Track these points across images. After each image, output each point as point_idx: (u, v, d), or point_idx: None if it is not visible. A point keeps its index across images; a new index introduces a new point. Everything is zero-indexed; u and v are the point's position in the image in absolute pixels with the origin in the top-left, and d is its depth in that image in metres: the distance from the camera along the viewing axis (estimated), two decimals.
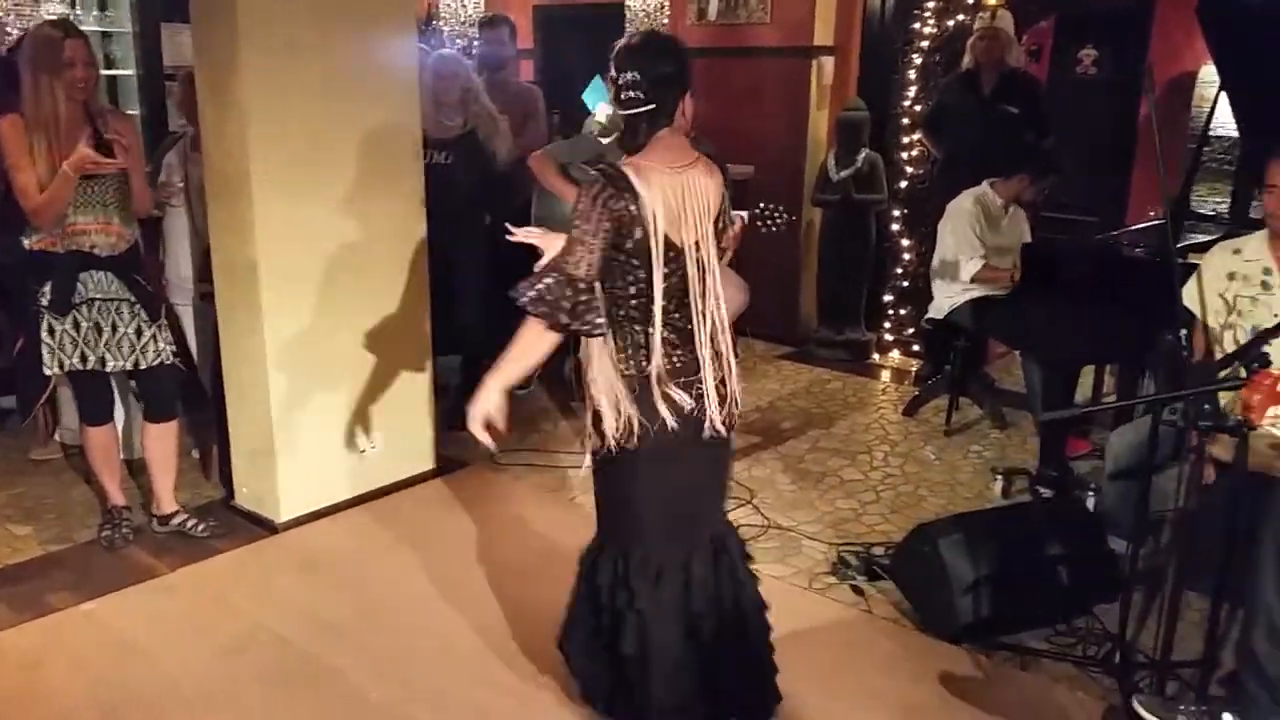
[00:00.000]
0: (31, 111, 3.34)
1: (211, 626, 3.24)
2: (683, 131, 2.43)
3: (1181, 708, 2.58)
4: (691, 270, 2.38)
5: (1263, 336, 2.71)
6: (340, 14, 3.70)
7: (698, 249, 2.38)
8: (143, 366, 3.61)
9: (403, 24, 3.98)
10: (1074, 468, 4.39)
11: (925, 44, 5.68)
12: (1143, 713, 2.58)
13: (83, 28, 3.89)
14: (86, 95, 3.41)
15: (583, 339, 2.43)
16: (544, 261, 2.42)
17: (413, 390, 4.24)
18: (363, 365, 4.04)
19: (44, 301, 3.46)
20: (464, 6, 7.30)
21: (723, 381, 2.45)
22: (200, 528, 3.81)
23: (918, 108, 5.72)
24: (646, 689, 2.51)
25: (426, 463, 4.37)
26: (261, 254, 3.63)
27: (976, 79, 5.29)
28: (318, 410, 3.92)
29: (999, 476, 4.33)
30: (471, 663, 3.08)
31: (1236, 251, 3.24)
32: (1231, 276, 3.21)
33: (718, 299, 2.43)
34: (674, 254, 2.35)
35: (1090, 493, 3.95)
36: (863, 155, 5.77)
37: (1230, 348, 3.11)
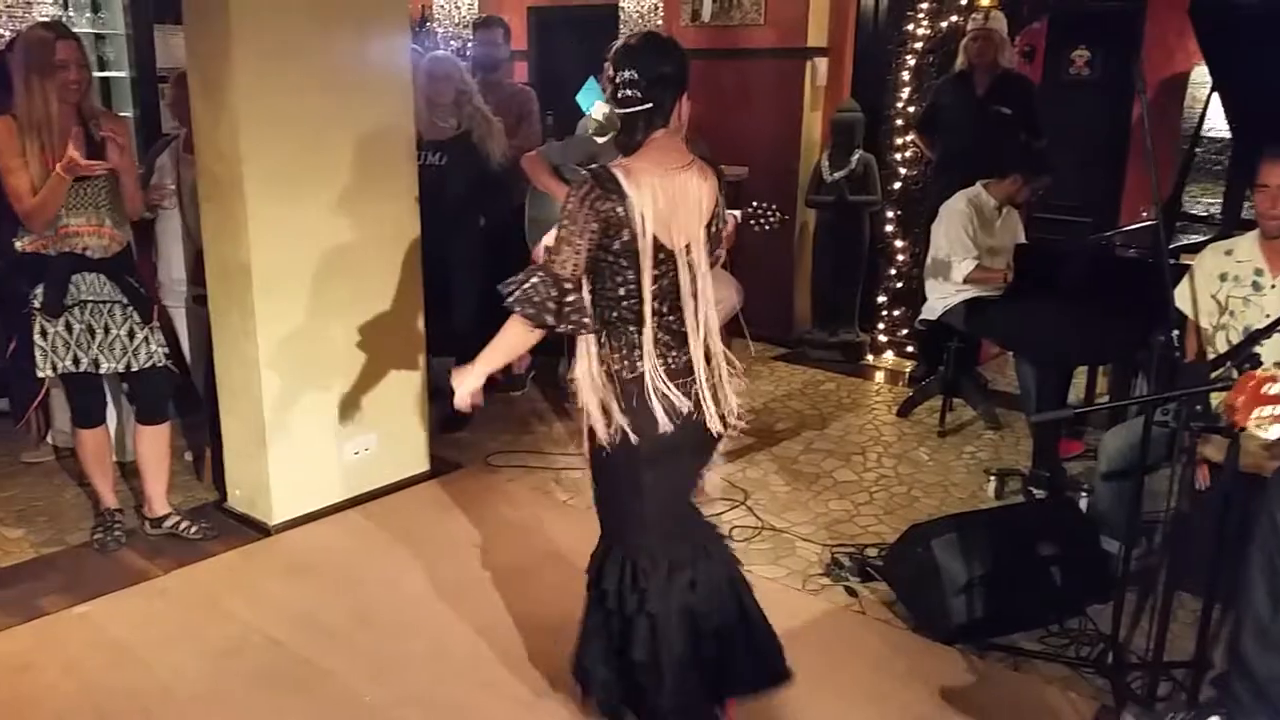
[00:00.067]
0: (24, 114, 3.34)
1: (204, 629, 3.24)
2: (679, 133, 2.43)
3: (1170, 716, 2.58)
4: (683, 273, 2.38)
5: (1254, 337, 2.72)
6: (333, 15, 3.70)
7: (689, 252, 2.39)
8: (135, 369, 3.60)
9: (396, 25, 3.98)
10: (1067, 468, 4.40)
11: (919, 45, 5.70)
12: None
13: (75, 29, 3.87)
14: (79, 97, 3.41)
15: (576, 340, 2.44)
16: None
17: (406, 392, 4.24)
18: (356, 367, 4.04)
19: (36, 304, 3.46)
20: (458, 8, 7.29)
21: (714, 383, 2.46)
22: (193, 530, 3.80)
23: (911, 109, 5.73)
24: (659, 693, 2.50)
25: (420, 464, 4.37)
26: (254, 256, 3.63)
27: (970, 80, 5.30)
28: (311, 412, 3.91)
29: (992, 477, 4.34)
30: (465, 665, 3.07)
31: (1228, 252, 3.25)
32: (1223, 277, 3.22)
33: (707, 302, 2.44)
34: (664, 256, 2.35)
35: (1083, 493, 3.96)
36: (857, 156, 5.78)
37: (1222, 348, 3.12)
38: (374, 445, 4.14)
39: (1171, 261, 3.52)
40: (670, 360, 2.40)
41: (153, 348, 3.63)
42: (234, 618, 3.30)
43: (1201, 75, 5.53)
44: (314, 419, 3.93)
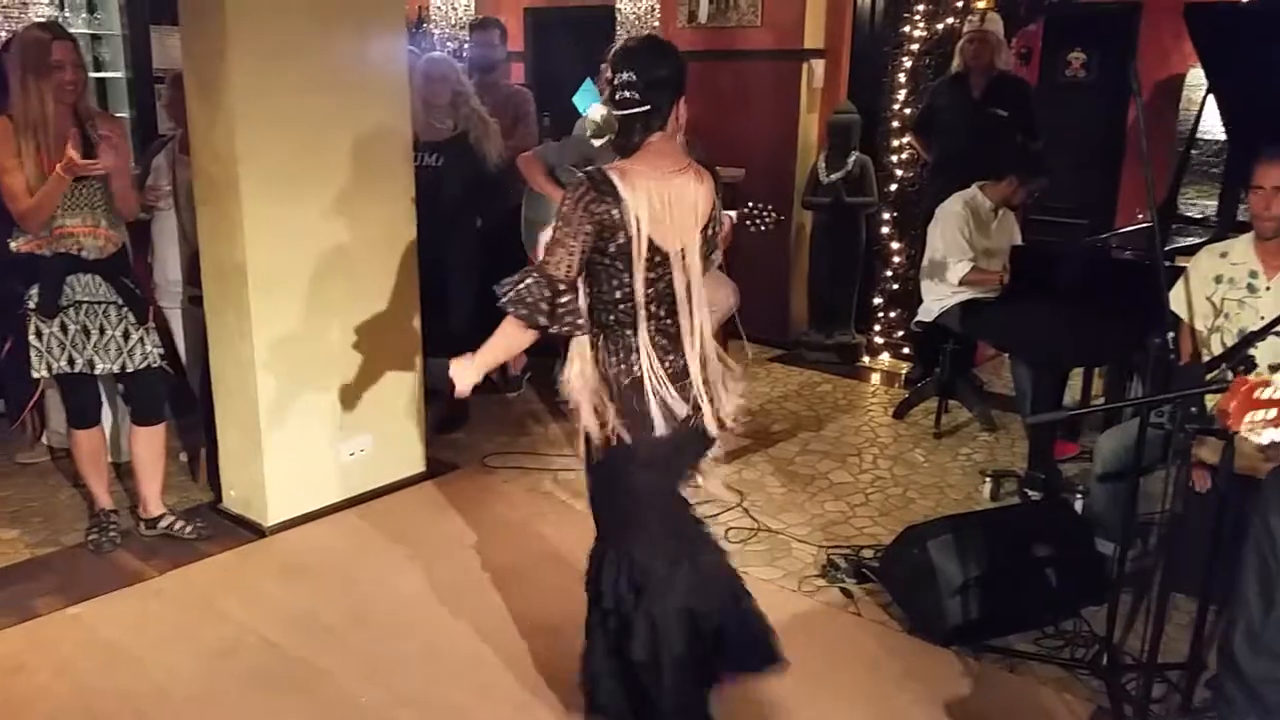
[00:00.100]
0: (20, 114, 3.33)
1: (199, 630, 3.23)
2: (675, 136, 2.44)
3: None
4: (678, 276, 2.39)
5: (1249, 339, 2.72)
6: (329, 16, 3.69)
7: (684, 256, 2.39)
8: (130, 369, 3.60)
9: (392, 26, 3.98)
10: (1062, 470, 4.40)
11: (915, 47, 5.70)
12: None
13: (72, 30, 3.88)
14: (75, 98, 3.41)
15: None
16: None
17: (402, 392, 4.24)
18: (352, 367, 4.03)
19: (31, 304, 3.45)
20: (454, 9, 7.30)
21: (708, 385, 2.46)
22: (187, 529, 3.80)
23: (908, 110, 5.73)
24: (659, 693, 2.51)
25: (416, 465, 4.36)
26: (250, 257, 3.62)
27: (966, 82, 5.30)
28: (306, 413, 3.91)
29: (988, 479, 4.34)
30: (461, 666, 3.07)
31: (1223, 255, 3.26)
32: (1218, 279, 3.23)
33: (701, 305, 2.45)
34: (660, 258, 2.36)
35: (1078, 495, 3.96)
36: (853, 158, 5.78)
37: (1218, 350, 3.13)
38: (370, 446, 4.13)
39: (1167, 264, 3.52)
40: (667, 364, 2.41)
41: (148, 348, 3.62)
42: (229, 618, 3.30)
43: (1197, 78, 5.54)
44: (310, 420, 3.93)
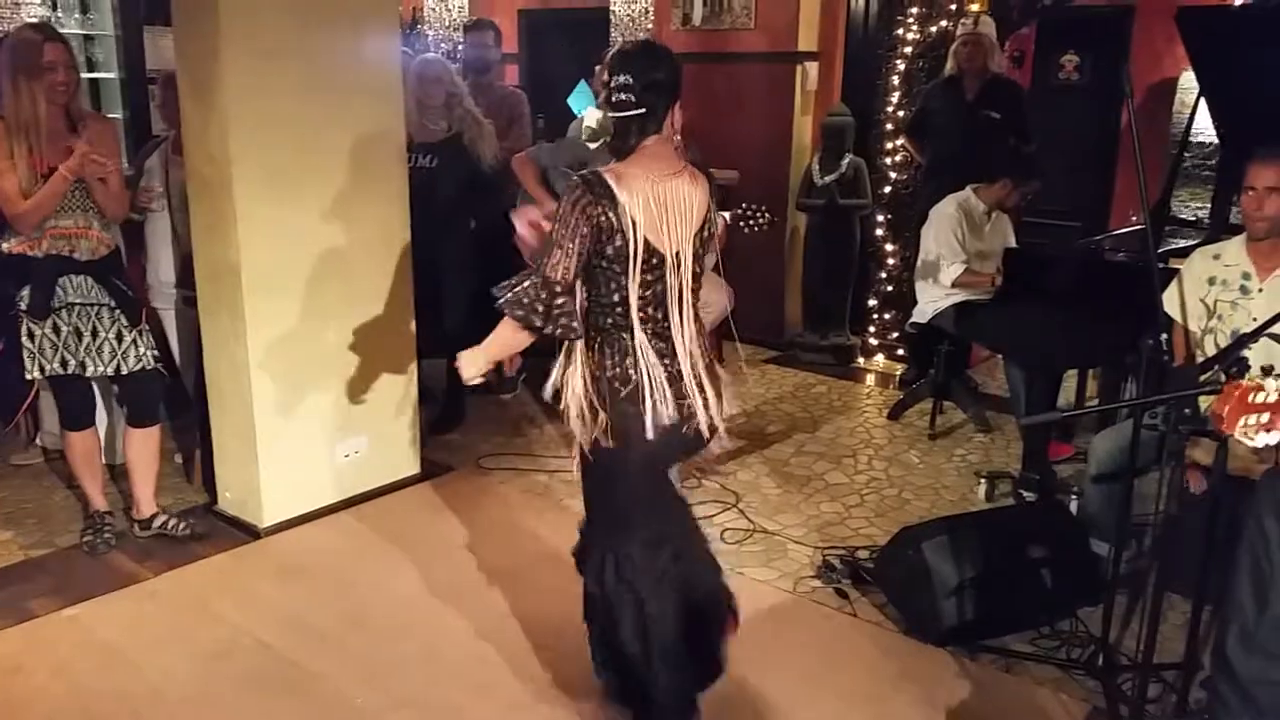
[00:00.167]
0: (11, 116, 3.32)
1: (194, 632, 3.23)
2: (671, 140, 2.45)
3: None
4: (671, 278, 2.40)
5: (1242, 341, 2.73)
6: (323, 17, 3.69)
7: (679, 259, 2.41)
8: (124, 371, 3.59)
9: (386, 27, 3.98)
10: (1057, 471, 4.42)
11: (908, 50, 5.71)
12: None
13: (64, 31, 3.88)
14: (67, 99, 3.40)
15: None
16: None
17: (397, 394, 4.23)
18: (346, 369, 4.03)
19: (23, 306, 3.45)
20: (448, 10, 7.29)
21: (701, 387, 2.47)
22: (181, 526, 3.79)
23: (901, 113, 5.74)
24: (654, 682, 2.55)
25: (411, 467, 4.36)
26: (244, 258, 3.62)
27: (959, 84, 5.32)
28: (301, 414, 3.90)
29: (983, 480, 4.35)
30: (457, 667, 3.07)
31: (1216, 256, 3.27)
32: (1211, 281, 3.24)
33: (691, 308, 2.47)
34: (657, 261, 2.37)
35: (1073, 496, 3.97)
36: (847, 160, 5.79)
37: (1211, 352, 3.14)
38: (365, 448, 4.13)
39: (1160, 266, 3.54)
40: (664, 366, 2.43)
41: (142, 350, 3.62)
42: (224, 620, 3.29)
43: (1190, 81, 5.57)
44: (304, 421, 3.92)
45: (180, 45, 3.66)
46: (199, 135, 3.63)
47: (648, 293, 2.39)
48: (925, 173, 5.57)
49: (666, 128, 2.41)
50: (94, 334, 3.53)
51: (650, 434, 2.38)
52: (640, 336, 2.39)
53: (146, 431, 3.74)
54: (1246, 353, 2.55)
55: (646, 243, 2.34)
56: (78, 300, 3.51)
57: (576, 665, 2.89)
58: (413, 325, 4.25)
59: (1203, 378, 2.53)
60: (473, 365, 2.50)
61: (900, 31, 5.74)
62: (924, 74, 5.69)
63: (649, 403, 2.37)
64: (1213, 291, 3.23)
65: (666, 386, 2.40)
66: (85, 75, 5.30)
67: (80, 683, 2.96)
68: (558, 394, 2.51)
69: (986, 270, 4.70)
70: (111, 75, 6.02)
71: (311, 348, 3.88)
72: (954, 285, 4.74)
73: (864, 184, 5.84)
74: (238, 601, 3.41)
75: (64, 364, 3.51)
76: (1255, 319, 3.03)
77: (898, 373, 5.88)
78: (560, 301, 2.34)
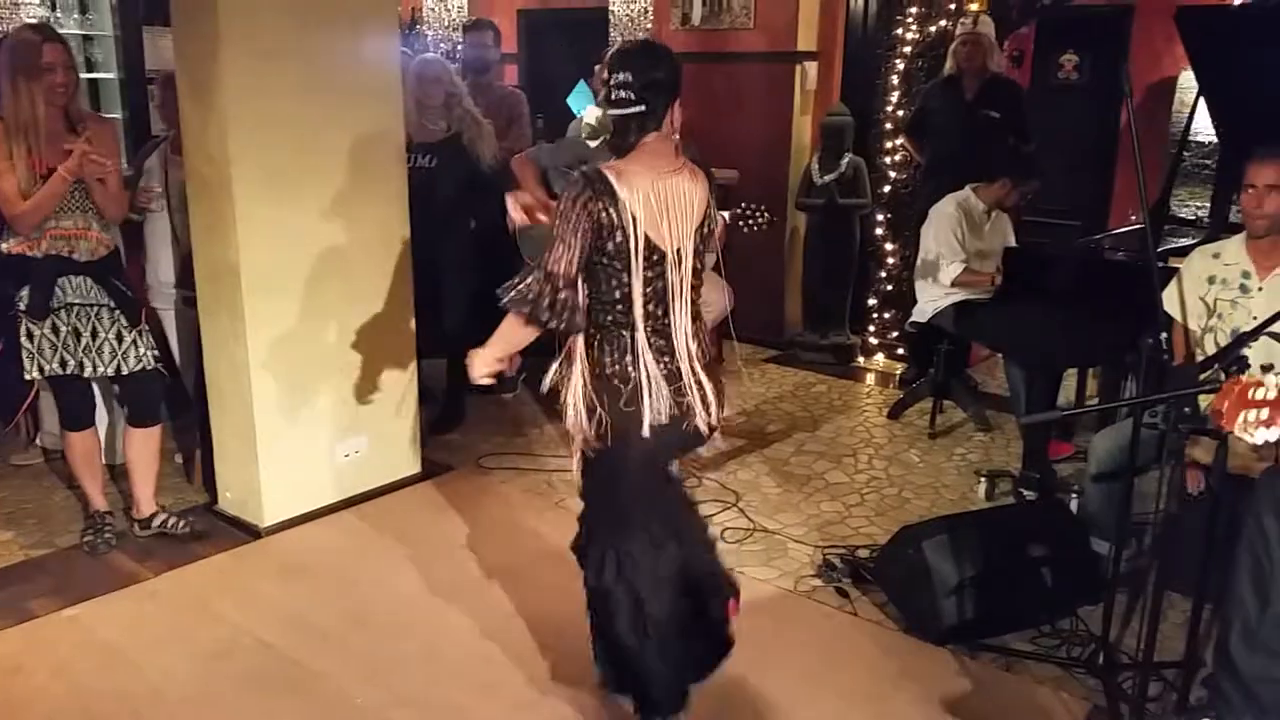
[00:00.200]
0: (10, 116, 3.32)
1: (194, 632, 3.22)
2: (670, 138, 2.45)
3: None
4: (672, 275, 2.41)
5: (1242, 339, 2.73)
6: (322, 17, 3.69)
7: (679, 256, 2.41)
8: (125, 372, 3.59)
9: (386, 27, 3.98)
10: (1057, 470, 4.42)
11: (908, 49, 5.71)
12: None
13: (64, 31, 3.88)
14: (66, 100, 3.40)
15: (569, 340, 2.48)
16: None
17: (397, 394, 4.23)
18: (346, 369, 4.03)
19: (21, 306, 3.44)
20: (448, 10, 7.29)
21: (700, 385, 2.48)
22: (180, 524, 3.80)
23: (900, 113, 5.74)
24: (649, 677, 2.57)
25: (412, 466, 4.36)
26: (243, 258, 3.62)
27: (958, 84, 5.32)
28: (301, 414, 3.90)
29: (983, 479, 4.35)
30: (459, 666, 3.07)
31: (1216, 255, 3.28)
32: (1211, 280, 3.24)
33: (695, 304, 2.48)
34: (657, 257, 2.38)
35: (1073, 495, 3.97)
36: (846, 160, 5.79)
37: (1211, 350, 3.14)
38: (365, 447, 4.13)
39: (1160, 264, 3.54)
40: (663, 365, 2.43)
41: (142, 350, 3.62)
42: (224, 620, 3.29)
43: (1189, 80, 5.57)
44: (305, 421, 3.92)
45: (179, 45, 3.66)
46: (198, 135, 3.63)
47: (648, 289, 2.40)
48: (925, 172, 5.57)
49: (666, 125, 2.42)
50: (94, 335, 3.53)
51: (648, 432, 2.39)
52: (642, 334, 2.40)
53: (147, 431, 3.74)
54: (1246, 351, 2.56)
55: (647, 239, 2.35)
56: (77, 301, 3.51)
57: (578, 663, 2.89)
58: (413, 325, 4.25)
59: (1202, 376, 2.53)
60: (481, 364, 2.51)
61: (899, 31, 5.74)
62: (923, 73, 5.69)
63: (648, 401, 2.38)
64: (1212, 290, 3.23)
65: (665, 384, 2.41)
66: (84, 75, 5.29)
67: (80, 683, 2.96)
68: (556, 390, 2.52)
69: (986, 269, 4.70)
70: (110, 75, 6.02)
71: (311, 348, 3.88)
72: (954, 284, 4.74)
73: (863, 183, 5.84)
74: (238, 601, 3.41)
75: (63, 364, 3.51)
76: (1255, 317, 3.03)
77: (898, 372, 5.88)
78: (563, 295, 2.35)
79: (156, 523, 3.79)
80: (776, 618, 3.34)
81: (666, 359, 2.44)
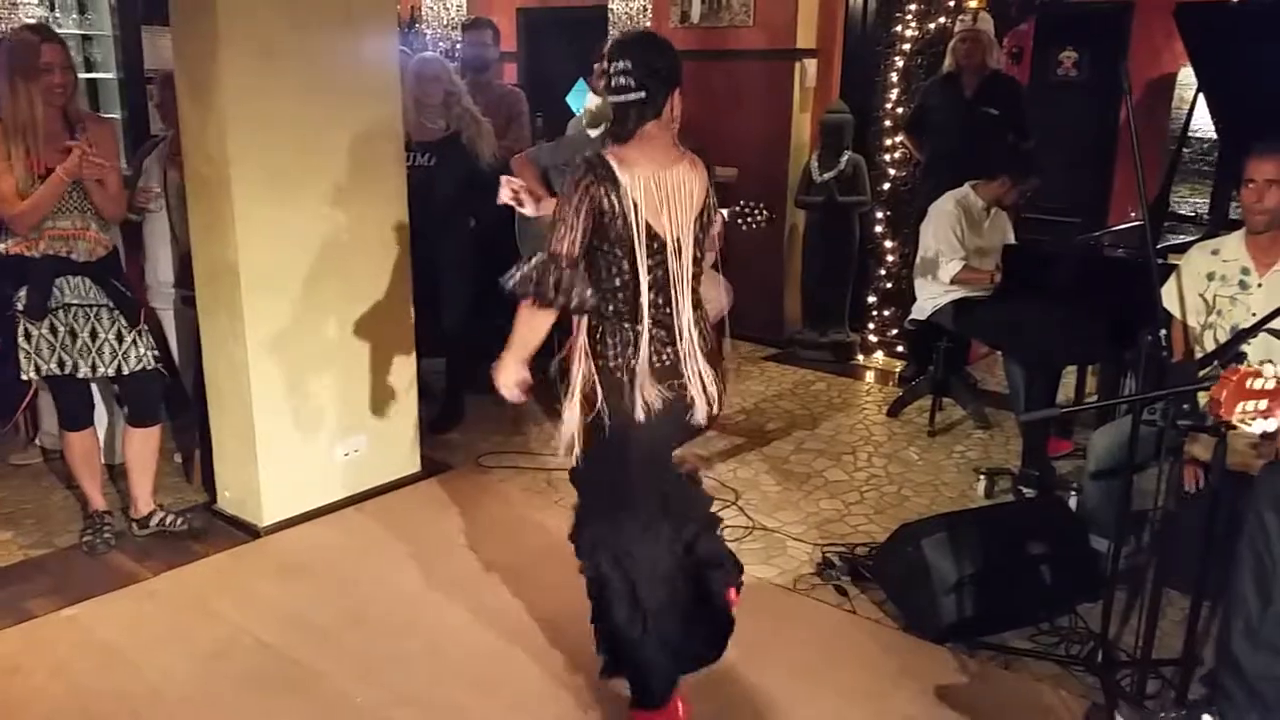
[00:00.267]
0: (8, 117, 3.32)
1: (194, 631, 3.23)
2: (670, 127, 2.46)
3: (1162, 715, 2.59)
4: (672, 263, 2.41)
5: (1241, 336, 2.73)
6: (321, 16, 3.69)
7: (679, 244, 2.42)
8: (125, 372, 3.59)
9: (384, 27, 3.97)
10: (1056, 467, 4.41)
11: (907, 46, 5.71)
12: None
13: (62, 31, 3.88)
14: (64, 100, 3.40)
15: (568, 337, 2.48)
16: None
17: (397, 393, 4.23)
18: (346, 368, 4.03)
19: (19, 306, 3.44)
20: (446, 9, 7.29)
21: (701, 374, 2.49)
22: (179, 522, 3.80)
23: (900, 110, 5.74)
24: (648, 666, 2.58)
25: (411, 465, 4.36)
26: (242, 258, 3.62)
27: (958, 81, 5.31)
28: (300, 413, 3.90)
29: (982, 476, 4.35)
30: (459, 665, 3.07)
31: (1215, 252, 3.27)
32: (1210, 276, 3.24)
33: (696, 293, 2.49)
34: (658, 245, 2.40)
35: (1072, 492, 3.97)
36: (846, 157, 5.79)
37: (1210, 347, 3.14)
38: (364, 447, 4.13)
39: (1159, 261, 3.54)
40: (666, 355, 2.44)
41: (142, 350, 3.62)
42: (223, 619, 3.29)
43: (1188, 76, 5.56)
44: (304, 420, 3.92)
45: (178, 45, 3.66)
46: (197, 135, 3.62)
47: (650, 277, 2.41)
48: (924, 169, 5.57)
49: (666, 114, 2.43)
50: (94, 335, 3.53)
51: (650, 421, 2.40)
52: (646, 325, 2.41)
53: (147, 431, 3.74)
54: (1245, 348, 2.55)
55: (648, 226, 2.37)
56: (75, 301, 3.51)
57: (579, 661, 2.90)
58: (412, 324, 4.24)
59: (1202, 373, 2.53)
60: (505, 375, 2.49)
61: (899, 28, 5.74)
62: (922, 71, 5.68)
63: (648, 391, 2.39)
64: (1212, 287, 3.23)
65: (666, 375, 2.42)
66: (83, 75, 5.30)
67: (79, 683, 2.96)
68: (559, 377, 2.53)
69: (985, 267, 4.70)
70: (109, 75, 6.02)
71: (310, 347, 3.88)
72: (953, 282, 4.74)
73: (863, 181, 5.84)
74: (237, 600, 3.41)
75: (61, 364, 3.51)
76: (1254, 314, 3.03)
77: (897, 370, 5.88)
78: (569, 273, 2.37)
79: (155, 521, 3.79)
80: (776, 615, 3.34)
81: (669, 350, 2.45)
